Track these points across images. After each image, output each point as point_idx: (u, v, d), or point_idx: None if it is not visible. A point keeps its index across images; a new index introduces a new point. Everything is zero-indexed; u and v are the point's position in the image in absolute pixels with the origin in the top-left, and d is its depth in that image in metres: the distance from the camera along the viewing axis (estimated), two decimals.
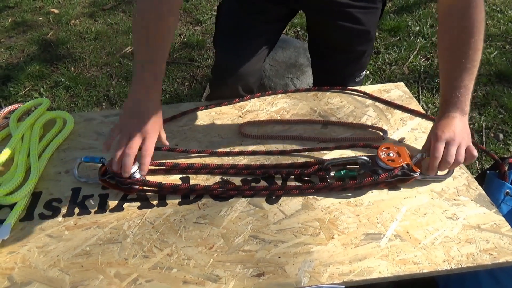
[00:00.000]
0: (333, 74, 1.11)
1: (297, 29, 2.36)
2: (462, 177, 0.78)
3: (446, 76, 0.80)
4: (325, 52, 1.11)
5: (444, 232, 0.68)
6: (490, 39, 2.24)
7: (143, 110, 0.77)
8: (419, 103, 1.88)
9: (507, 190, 0.86)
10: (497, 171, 0.89)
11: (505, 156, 1.04)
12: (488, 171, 0.92)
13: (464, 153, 0.75)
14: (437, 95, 1.91)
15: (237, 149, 0.86)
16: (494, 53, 2.12)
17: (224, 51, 1.07)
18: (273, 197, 0.75)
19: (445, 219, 0.70)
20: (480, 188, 0.75)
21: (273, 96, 1.02)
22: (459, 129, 0.76)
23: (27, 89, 1.92)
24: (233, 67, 1.04)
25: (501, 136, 1.68)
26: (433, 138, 0.76)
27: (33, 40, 2.26)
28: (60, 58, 2.13)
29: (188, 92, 1.93)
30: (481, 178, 0.94)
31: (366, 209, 0.72)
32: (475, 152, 0.75)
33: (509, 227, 0.68)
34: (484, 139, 1.67)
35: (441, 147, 0.74)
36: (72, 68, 2.06)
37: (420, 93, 1.93)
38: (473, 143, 0.96)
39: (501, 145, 1.65)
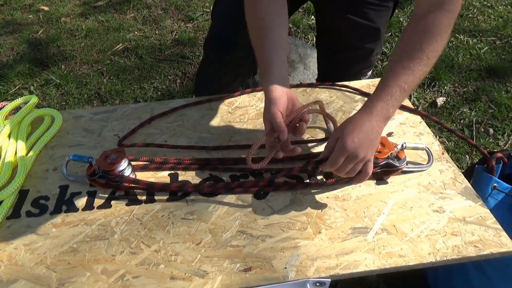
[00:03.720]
0: (340, 70, 1.10)
1: (289, 26, 2.36)
2: (449, 171, 0.78)
3: (389, 70, 0.70)
4: (333, 48, 1.10)
5: (430, 225, 0.68)
6: (481, 34, 2.26)
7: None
8: (411, 98, 1.89)
9: (495, 184, 0.87)
10: (485, 165, 0.90)
11: (494, 150, 1.04)
12: (476, 165, 0.93)
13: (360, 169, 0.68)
14: (428, 90, 1.92)
15: (226, 144, 0.86)
16: (485, 49, 2.14)
17: (222, 20, 1.05)
18: (262, 192, 0.75)
19: (432, 212, 0.70)
20: (467, 181, 0.76)
21: (262, 92, 1.02)
22: (369, 141, 0.67)
23: (17, 87, 1.91)
24: (230, 36, 1.00)
25: (491, 131, 1.70)
26: (338, 145, 0.66)
27: (23, 38, 2.24)
28: (50, 56, 2.11)
29: (180, 89, 1.92)
30: (470, 172, 0.95)
31: (354, 203, 0.73)
32: (370, 170, 0.69)
33: (494, 219, 0.68)
34: (474, 134, 1.69)
35: (340, 160, 0.66)
36: (62, 66, 2.05)
37: None
38: (463, 138, 0.97)
39: (491, 139, 1.66)
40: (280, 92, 0.71)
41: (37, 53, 2.13)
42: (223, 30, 1.04)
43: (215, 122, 0.93)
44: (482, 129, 1.71)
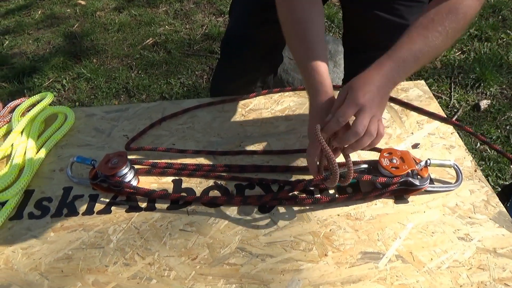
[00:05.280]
0: None
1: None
2: (481, 191, 0.69)
3: (403, 36, 0.65)
4: (359, 46, 1.03)
5: (454, 255, 0.60)
6: None
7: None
8: (451, 100, 1.75)
9: None
10: None
11: None
12: None
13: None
14: (471, 92, 1.77)
15: (235, 150, 0.81)
16: None
17: (238, 19, 1.01)
18: (267, 206, 0.70)
19: (456, 240, 0.62)
20: (502, 205, 0.66)
21: (280, 94, 0.96)
22: (379, 97, 0.61)
23: (50, 81, 1.96)
24: (246, 35, 0.97)
25: None
26: (348, 99, 0.60)
27: (60, 32, 2.30)
28: (83, 50, 2.16)
29: (206, 85, 1.89)
30: (509, 190, 0.84)
31: (367, 223, 0.65)
32: (382, 129, 0.62)
33: None
34: None
35: (350, 114, 0.59)
36: (94, 60, 2.08)
37: (453, 89, 1.79)
38: (500, 152, 0.86)
39: None
40: (328, 98, 0.67)
41: (72, 46, 2.19)
42: (239, 28, 0.99)
43: (227, 125, 0.88)
44: None
